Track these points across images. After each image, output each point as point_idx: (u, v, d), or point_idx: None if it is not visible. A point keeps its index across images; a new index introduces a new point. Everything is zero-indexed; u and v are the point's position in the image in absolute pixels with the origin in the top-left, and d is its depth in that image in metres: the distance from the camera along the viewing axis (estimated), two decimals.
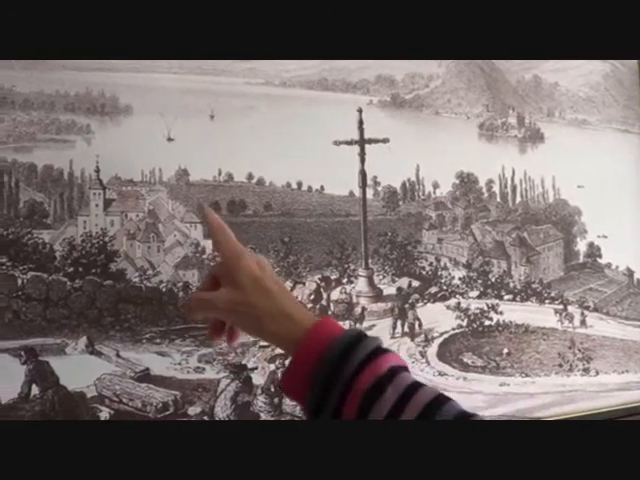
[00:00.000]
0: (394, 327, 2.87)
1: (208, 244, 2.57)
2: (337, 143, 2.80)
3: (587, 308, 3.30)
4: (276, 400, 2.53)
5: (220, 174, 2.65)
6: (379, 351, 1.13)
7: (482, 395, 2.93)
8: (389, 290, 2.92)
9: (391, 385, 1.05)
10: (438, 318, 2.97)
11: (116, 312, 2.42)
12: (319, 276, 2.79)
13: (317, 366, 1.07)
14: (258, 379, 2.55)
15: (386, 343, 2.81)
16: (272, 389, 2.51)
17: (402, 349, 2.85)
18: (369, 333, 2.74)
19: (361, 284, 2.87)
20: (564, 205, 3.39)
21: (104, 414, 2.35)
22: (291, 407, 2.52)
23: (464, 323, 3.01)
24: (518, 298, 3.18)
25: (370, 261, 2.90)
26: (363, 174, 2.89)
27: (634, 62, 3.60)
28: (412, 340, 2.88)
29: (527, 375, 3.04)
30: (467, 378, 2.93)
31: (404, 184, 3.04)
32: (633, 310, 3.41)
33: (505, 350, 3.04)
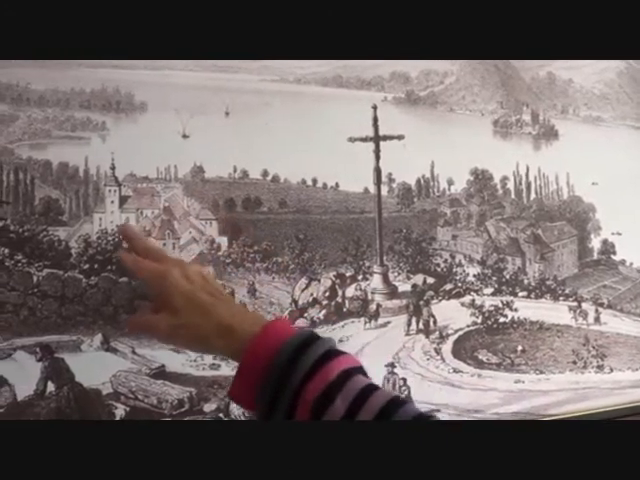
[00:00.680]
0: (409, 324, 2.83)
1: (224, 241, 2.56)
2: (352, 140, 2.77)
3: (601, 305, 3.26)
4: None
5: (235, 171, 2.62)
6: (330, 354, 1.03)
7: (497, 392, 2.89)
8: (404, 287, 2.88)
9: (341, 393, 0.97)
10: (453, 315, 2.93)
11: (132, 309, 2.37)
12: (334, 273, 2.76)
13: (265, 374, 1.00)
14: None
15: (401, 340, 2.81)
16: None
17: (417, 346, 2.82)
18: (384, 330, 2.68)
19: (376, 281, 2.84)
20: (578, 202, 3.35)
21: (120, 411, 2.32)
22: None
23: (479, 320, 2.97)
24: (532, 295, 3.14)
25: (385, 258, 2.86)
26: (378, 171, 2.85)
27: None
28: (427, 337, 2.85)
29: (541, 372, 3.00)
30: (482, 375, 2.89)
31: (419, 181, 3.00)
32: None
33: (519, 347, 3.01)
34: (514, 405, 2.89)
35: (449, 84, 3.14)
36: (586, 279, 3.29)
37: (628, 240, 3.37)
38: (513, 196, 3.21)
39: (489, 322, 2.98)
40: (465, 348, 2.90)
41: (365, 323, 2.77)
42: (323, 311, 2.67)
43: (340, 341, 2.58)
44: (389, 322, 2.81)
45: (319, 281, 2.69)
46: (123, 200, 2.46)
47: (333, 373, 0.99)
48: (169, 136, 2.48)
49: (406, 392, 2.68)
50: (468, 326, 2.94)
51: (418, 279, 2.89)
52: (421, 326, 2.84)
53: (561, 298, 3.19)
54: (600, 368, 3.13)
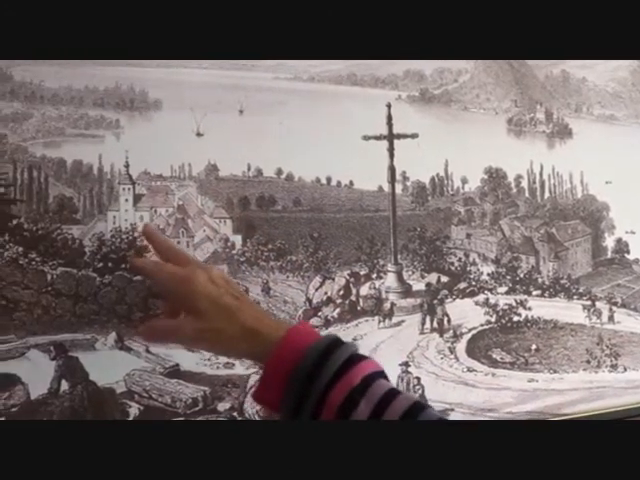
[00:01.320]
0: (423, 323, 2.80)
1: (238, 239, 2.53)
2: (366, 138, 2.73)
3: (615, 304, 3.21)
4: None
5: (249, 169, 2.59)
6: (353, 359, 1.04)
7: (510, 391, 2.86)
8: (418, 286, 2.85)
9: (364, 397, 0.99)
10: (467, 314, 2.90)
11: (146, 307, 2.36)
12: (348, 272, 2.72)
13: (289, 379, 1.00)
14: None
15: (415, 339, 2.77)
16: None
17: (431, 345, 2.78)
18: (398, 329, 2.63)
19: (390, 280, 2.80)
20: (592, 201, 3.30)
21: (133, 410, 2.30)
22: None
23: (493, 319, 2.93)
24: (546, 294, 3.10)
25: (399, 257, 2.83)
26: (392, 169, 2.81)
27: None
28: (441, 336, 2.81)
29: (555, 371, 2.96)
30: (496, 374, 2.86)
31: (433, 179, 2.96)
32: None
33: (533, 346, 2.97)
34: (528, 404, 2.86)
35: (463, 82, 3.10)
36: (600, 278, 3.24)
37: None
38: (527, 195, 3.17)
39: (503, 321, 2.94)
40: (479, 347, 2.87)
41: (379, 322, 2.73)
42: (337, 310, 2.64)
43: (354, 340, 2.54)
44: (403, 321, 2.77)
45: (333, 280, 2.66)
46: (137, 198, 2.44)
47: (357, 378, 1.01)
48: (183, 134, 2.45)
49: (420, 391, 2.64)
50: (482, 325, 2.91)
51: (432, 278, 2.86)
52: (435, 325, 2.81)
53: (575, 297, 3.15)
54: (614, 367, 3.09)
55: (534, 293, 3.07)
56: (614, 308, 3.19)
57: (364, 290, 2.74)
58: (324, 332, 2.54)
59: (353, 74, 2.85)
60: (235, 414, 2.39)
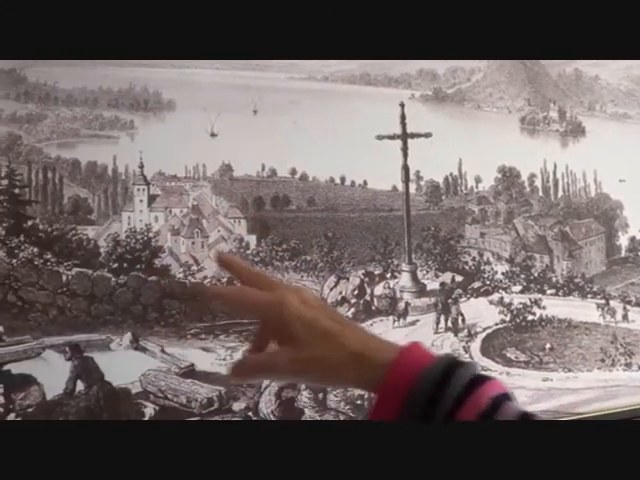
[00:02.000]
0: (437, 322, 2.76)
1: (252, 239, 2.51)
2: (380, 138, 2.70)
3: (629, 303, 3.17)
4: (320, 395, 2.44)
5: (263, 169, 2.57)
6: (476, 381, 0.92)
7: (525, 390, 2.82)
8: (432, 285, 2.81)
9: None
10: (481, 313, 2.86)
11: (161, 308, 2.34)
12: (363, 271, 2.69)
13: (406, 405, 0.89)
14: None
15: (429, 338, 2.74)
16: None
17: (445, 344, 2.75)
18: (412, 328, 2.58)
19: (404, 279, 2.77)
20: (606, 199, 3.26)
21: (149, 410, 2.28)
22: (335, 402, 2.44)
23: (507, 318, 2.90)
24: (561, 293, 3.06)
25: (413, 256, 2.79)
26: (406, 169, 2.78)
27: None
28: (455, 335, 2.78)
29: (570, 370, 2.93)
30: (510, 373, 2.82)
31: (447, 178, 2.93)
32: None
33: (548, 345, 2.93)
34: (542, 403, 2.82)
35: (476, 81, 3.07)
36: (614, 277, 3.20)
37: None
38: (541, 193, 3.13)
39: (517, 320, 2.91)
40: (493, 346, 2.83)
41: (394, 321, 2.70)
42: (352, 309, 2.61)
43: None
44: (418, 320, 2.74)
45: (348, 279, 2.64)
46: (152, 199, 2.42)
47: (483, 401, 0.88)
48: (197, 135, 2.43)
49: None
50: (496, 324, 2.88)
51: (446, 277, 2.83)
52: (450, 324, 2.78)
53: (589, 296, 3.11)
54: (628, 366, 3.05)
55: (548, 292, 3.03)
56: (628, 307, 3.15)
57: (378, 290, 2.71)
58: None
59: (366, 74, 2.82)
60: (250, 414, 2.37)
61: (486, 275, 2.93)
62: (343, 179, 2.70)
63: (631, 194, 3.26)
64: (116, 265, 2.33)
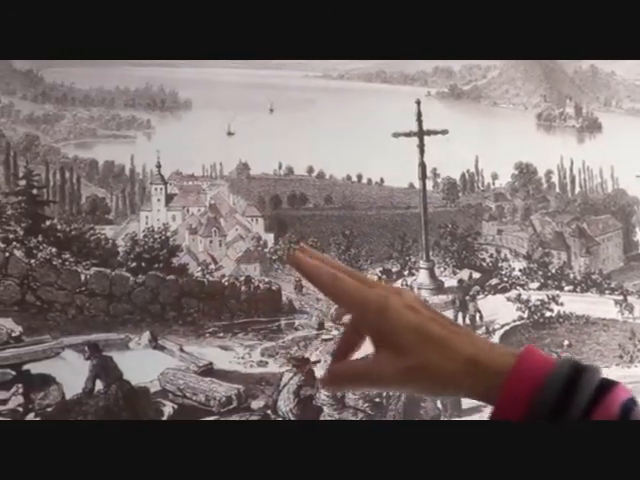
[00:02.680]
0: (455, 319, 2.72)
1: (270, 238, 2.49)
2: (396, 135, 2.66)
3: None
4: (339, 393, 2.41)
5: (280, 168, 2.56)
6: (603, 386, 0.84)
7: None
8: (450, 282, 2.77)
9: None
10: (499, 310, 2.82)
11: (179, 307, 2.32)
12: (380, 269, 2.66)
13: (532, 409, 0.81)
14: (321, 372, 2.42)
15: None
16: None
17: None
18: None
19: (422, 276, 2.73)
20: (623, 195, 3.20)
21: (168, 409, 2.25)
22: (354, 400, 2.41)
23: (525, 315, 2.85)
24: (578, 289, 3.01)
25: (431, 253, 2.76)
26: (423, 166, 2.74)
27: None
28: (473, 332, 2.74)
29: None
30: None
31: (463, 175, 2.90)
32: None
33: (566, 342, 2.88)
34: None
35: (492, 78, 3.03)
36: (631, 273, 3.15)
37: None
38: (558, 190, 3.08)
39: (535, 316, 2.86)
40: (512, 343, 2.79)
41: None
42: None
43: None
44: None
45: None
46: (169, 198, 2.41)
47: (613, 409, 0.82)
48: (214, 134, 2.41)
49: None
50: (514, 321, 2.83)
51: (464, 274, 2.79)
52: (468, 321, 2.73)
53: (607, 292, 3.06)
54: None
55: (566, 288, 2.98)
56: None
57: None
58: None
59: (382, 71, 2.80)
60: (269, 412, 2.34)
61: (503, 272, 2.90)
62: (360, 177, 2.68)
63: None
64: (134, 264, 2.32)
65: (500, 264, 2.90)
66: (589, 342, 2.91)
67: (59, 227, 2.13)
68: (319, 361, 2.42)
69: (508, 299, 2.86)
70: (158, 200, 2.26)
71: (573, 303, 2.96)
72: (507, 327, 2.81)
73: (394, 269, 2.63)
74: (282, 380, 2.37)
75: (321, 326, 2.47)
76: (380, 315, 0.74)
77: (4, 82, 2.12)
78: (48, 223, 2.11)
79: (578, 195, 3.14)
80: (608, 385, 0.82)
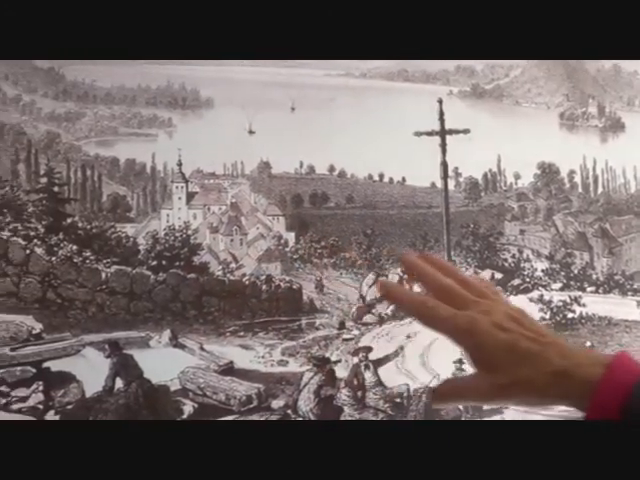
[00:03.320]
0: None
1: (291, 237, 2.47)
2: (418, 134, 2.62)
3: None
4: (359, 393, 2.37)
5: (302, 166, 2.54)
6: None
7: None
8: None
9: None
10: None
11: (200, 305, 2.30)
12: (401, 268, 2.63)
13: (625, 417, 0.79)
14: (341, 372, 2.38)
15: None
16: (355, 382, 2.34)
17: None
18: None
19: None
20: None
21: (188, 407, 2.22)
22: (374, 401, 2.37)
23: (547, 315, 2.79)
24: (601, 290, 2.96)
25: (452, 253, 2.71)
26: (444, 165, 2.70)
27: None
28: None
29: None
30: None
31: (485, 175, 2.86)
32: None
33: (588, 343, 2.83)
34: None
35: (514, 77, 2.98)
36: None
37: None
38: (580, 190, 3.03)
39: (557, 318, 2.80)
40: None
41: None
42: (391, 307, 2.54)
43: (408, 337, 2.44)
44: None
45: (387, 277, 2.56)
46: (190, 196, 2.39)
47: None
48: (235, 132, 2.38)
49: None
50: None
51: (486, 274, 2.74)
52: None
53: (629, 293, 3.00)
54: None
55: (588, 289, 2.93)
56: None
57: (417, 287, 2.64)
58: (378, 329, 2.46)
59: (404, 70, 2.76)
60: (289, 411, 2.30)
61: (526, 272, 2.85)
62: (382, 176, 2.66)
63: None
64: (155, 263, 2.30)
65: (522, 264, 2.86)
66: (611, 343, 2.86)
67: (80, 225, 2.11)
68: (340, 361, 2.39)
69: (530, 300, 2.81)
70: (179, 198, 2.24)
71: (595, 304, 2.90)
72: None
73: None
74: (302, 380, 2.34)
75: (342, 326, 2.43)
76: (469, 338, 0.71)
77: (25, 80, 2.10)
78: (69, 221, 2.09)
79: (601, 195, 3.09)
80: None
